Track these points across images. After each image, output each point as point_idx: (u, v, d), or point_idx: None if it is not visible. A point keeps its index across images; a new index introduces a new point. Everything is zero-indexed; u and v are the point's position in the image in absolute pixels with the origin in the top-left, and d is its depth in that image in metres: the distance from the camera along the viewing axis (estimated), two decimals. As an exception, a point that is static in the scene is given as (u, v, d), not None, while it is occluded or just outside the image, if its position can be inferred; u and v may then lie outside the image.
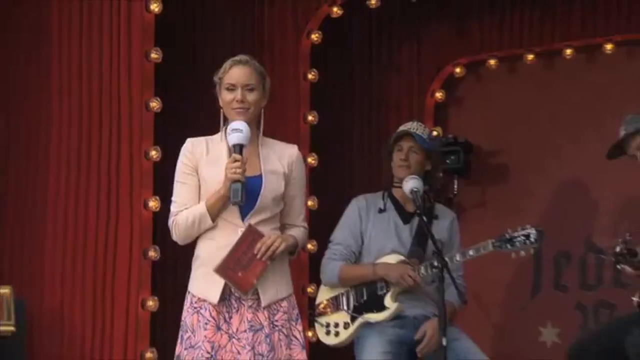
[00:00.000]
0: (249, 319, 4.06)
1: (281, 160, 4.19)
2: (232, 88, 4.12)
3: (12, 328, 5.11)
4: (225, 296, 4.07)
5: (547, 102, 6.45)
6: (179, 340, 4.13)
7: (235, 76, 4.13)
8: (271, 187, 4.12)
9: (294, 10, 6.15)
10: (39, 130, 5.62)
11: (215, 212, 4.08)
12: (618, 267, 4.66)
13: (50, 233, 5.51)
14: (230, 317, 4.08)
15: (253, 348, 4.03)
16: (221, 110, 4.18)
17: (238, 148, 4.04)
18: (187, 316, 4.11)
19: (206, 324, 4.06)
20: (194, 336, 4.07)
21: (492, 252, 4.96)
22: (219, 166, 4.09)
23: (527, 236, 4.91)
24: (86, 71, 5.54)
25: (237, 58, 4.17)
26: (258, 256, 4.04)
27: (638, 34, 6.14)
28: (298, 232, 4.22)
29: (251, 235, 4.04)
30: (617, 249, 4.59)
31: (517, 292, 6.42)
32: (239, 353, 4.03)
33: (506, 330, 6.41)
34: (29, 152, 5.65)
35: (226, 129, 4.12)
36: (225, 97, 4.14)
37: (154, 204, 5.41)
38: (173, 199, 4.19)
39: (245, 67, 4.14)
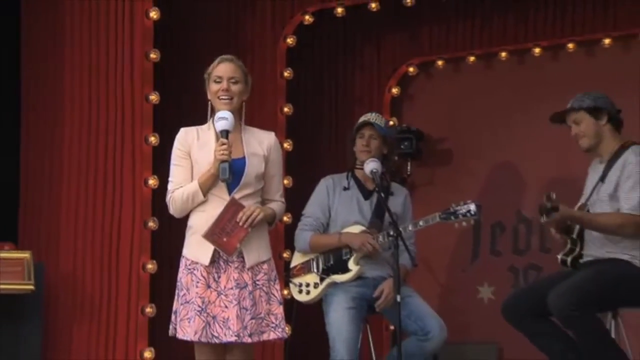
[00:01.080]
0: (235, 278, 4.06)
1: (261, 145, 4.19)
2: (219, 80, 4.13)
3: (32, 287, 5.10)
4: (214, 259, 4.07)
5: (486, 97, 6.48)
6: (175, 297, 4.13)
7: (222, 70, 4.14)
8: (253, 167, 4.13)
9: (272, 18, 6.14)
10: (54, 119, 5.60)
11: (206, 189, 4.08)
12: (541, 220, 4.60)
13: (64, 206, 5.49)
14: (219, 277, 4.08)
15: (239, 303, 4.04)
16: (209, 103, 4.18)
17: (224, 133, 4.05)
18: (183, 277, 4.11)
19: (198, 282, 4.06)
20: (189, 293, 4.07)
21: (438, 223, 4.98)
22: (208, 150, 4.10)
23: (468, 209, 4.93)
24: (95, 69, 5.52)
25: (224, 56, 4.19)
26: (240, 224, 4.04)
27: (560, 39, 6.17)
28: (276, 205, 4.22)
29: (234, 206, 4.05)
30: (544, 203, 4.56)
31: (459, 256, 6.46)
32: (226, 307, 4.03)
33: (450, 289, 6.44)
34: (44, 140, 5.63)
35: (214, 118, 4.12)
36: (212, 88, 4.14)
37: (153, 182, 5.40)
38: (170, 179, 4.18)
39: (230, 63, 4.15)
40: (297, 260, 5.20)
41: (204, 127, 4.19)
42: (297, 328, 5.63)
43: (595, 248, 4.67)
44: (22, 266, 5.09)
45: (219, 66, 4.14)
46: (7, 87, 5.70)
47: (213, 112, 4.16)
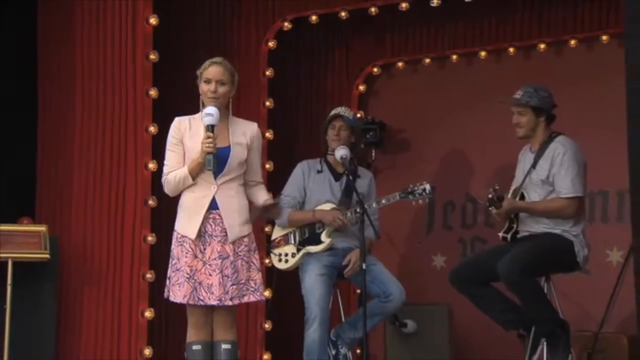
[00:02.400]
0: (218, 250, 4.07)
1: (244, 135, 4.20)
2: (208, 81, 4.10)
3: (47, 256, 5.08)
4: (201, 233, 4.07)
5: (439, 94, 6.49)
6: (169, 265, 4.13)
7: (212, 73, 4.12)
8: (237, 155, 4.13)
9: (255, 24, 6.11)
10: (67, 111, 5.56)
11: (195, 174, 4.09)
12: (490, 209, 4.69)
13: (76, 186, 5.46)
14: (204, 249, 4.09)
15: (221, 271, 4.05)
16: (201, 97, 4.15)
17: (210, 128, 4.05)
18: (174, 248, 4.12)
19: (187, 253, 4.08)
20: (179, 262, 4.08)
21: (398, 201, 5.00)
22: (198, 139, 4.11)
23: (424, 190, 4.95)
24: (102, 68, 5.48)
25: (214, 59, 4.17)
26: None
27: (502, 44, 6.18)
28: (260, 189, 4.26)
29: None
30: (489, 196, 4.63)
31: (416, 230, 6.46)
32: (210, 275, 4.05)
33: (408, 258, 6.46)
34: (58, 129, 5.58)
35: (203, 108, 4.11)
36: (203, 87, 4.13)
37: (152, 166, 5.36)
38: (165, 162, 4.20)
39: (219, 67, 4.13)
40: (277, 233, 5.19)
41: (196, 116, 4.19)
42: (277, 291, 5.63)
43: (532, 224, 4.73)
44: (39, 238, 5.07)
45: (210, 69, 4.13)
46: (26, 84, 5.64)
47: (204, 104, 4.15)
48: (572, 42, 6.03)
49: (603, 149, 5.37)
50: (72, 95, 5.52)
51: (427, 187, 4.93)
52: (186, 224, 4.08)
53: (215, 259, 4.05)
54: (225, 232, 4.08)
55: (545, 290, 4.68)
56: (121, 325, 5.26)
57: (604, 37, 5.92)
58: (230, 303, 4.05)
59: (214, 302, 4.02)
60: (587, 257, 4.71)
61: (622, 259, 5.29)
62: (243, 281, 4.09)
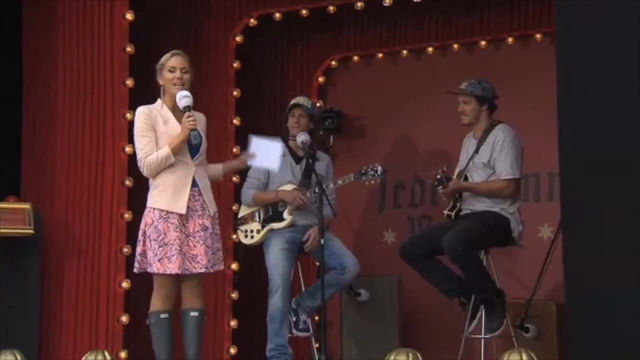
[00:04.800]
0: (200, 223, 4.12)
1: (200, 122, 4.23)
2: (173, 70, 4.13)
3: (32, 231, 5.05)
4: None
5: (391, 85, 6.49)
6: (142, 242, 4.14)
7: (175, 62, 4.18)
8: (203, 139, 4.21)
9: (225, 20, 6.07)
10: (50, 100, 5.49)
11: (176, 152, 4.10)
12: (438, 188, 4.72)
13: (58, 167, 5.41)
14: (187, 223, 4.12)
15: (204, 242, 4.10)
16: (162, 87, 4.18)
17: (188, 108, 4.06)
18: (158, 225, 4.10)
19: (175, 228, 4.09)
20: (166, 236, 4.08)
21: (353, 182, 5.01)
22: (172, 124, 4.15)
23: (376, 171, 4.97)
24: (82, 60, 5.41)
25: (174, 51, 4.24)
26: None
27: (447, 41, 6.20)
28: (209, 164, 4.32)
29: None
30: (438, 176, 4.67)
31: (369, 209, 6.48)
32: (194, 246, 4.10)
33: (362, 234, 6.48)
34: (42, 115, 5.52)
35: (164, 98, 4.15)
36: (167, 76, 4.16)
37: (128, 149, 5.30)
38: (140, 147, 4.21)
39: (181, 57, 4.20)
40: (243, 211, 5.19)
41: (157, 106, 4.20)
42: (243, 264, 5.61)
43: (474, 203, 4.78)
44: (24, 215, 5.03)
45: (172, 59, 4.16)
46: (12, 76, 5.55)
47: (165, 94, 4.17)
48: (510, 39, 6.09)
49: (536, 135, 5.43)
50: (55, 84, 5.46)
51: (379, 168, 4.96)
52: (172, 201, 4.08)
53: (198, 231, 4.10)
54: (203, 207, 4.12)
55: (484, 263, 4.74)
56: (100, 294, 5.23)
57: (538, 36, 5.99)
58: (211, 270, 4.12)
59: (202, 270, 4.08)
60: (522, 232, 4.78)
61: (552, 235, 5.37)
62: (215, 252, 4.16)
